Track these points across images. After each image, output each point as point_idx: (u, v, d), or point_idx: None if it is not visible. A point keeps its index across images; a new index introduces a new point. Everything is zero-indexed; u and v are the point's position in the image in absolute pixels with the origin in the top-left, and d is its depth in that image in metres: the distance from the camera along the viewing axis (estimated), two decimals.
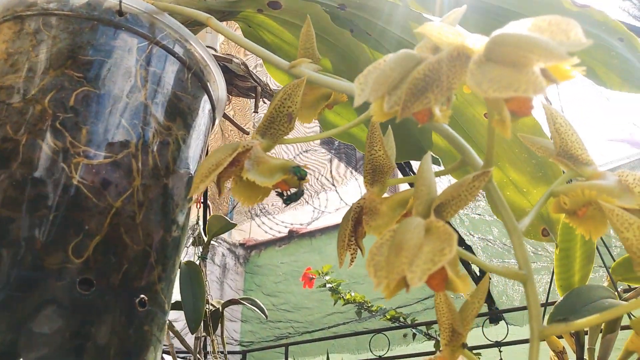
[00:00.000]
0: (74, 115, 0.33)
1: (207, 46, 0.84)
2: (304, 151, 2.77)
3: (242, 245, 3.75)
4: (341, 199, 3.24)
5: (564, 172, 0.34)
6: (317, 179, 2.80)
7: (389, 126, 0.37)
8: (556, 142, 0.32)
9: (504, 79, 0.20)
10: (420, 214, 0.25)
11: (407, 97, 0.23)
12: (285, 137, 0.34)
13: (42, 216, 0.30)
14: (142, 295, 0.32)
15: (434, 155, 0.47)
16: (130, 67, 0.36)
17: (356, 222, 0.34)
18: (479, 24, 0.53)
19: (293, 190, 0.32)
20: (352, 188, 2.90)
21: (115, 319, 0.30)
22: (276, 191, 0.33)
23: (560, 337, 0.98)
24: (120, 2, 0.37)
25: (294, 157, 2.66)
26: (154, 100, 0.37)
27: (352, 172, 2.72)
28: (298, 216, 3.53)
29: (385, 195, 0.35)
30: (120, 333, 0.30)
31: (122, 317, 0.30)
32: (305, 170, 0.32)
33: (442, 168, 0.48)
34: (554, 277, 0.94)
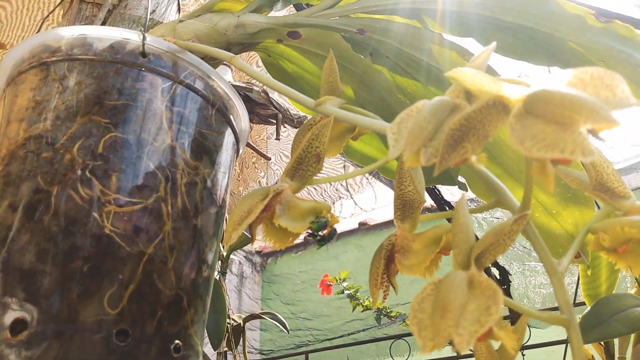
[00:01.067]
0: (103, 162, 0.33)
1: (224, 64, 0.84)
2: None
3: (258, 252, 3.76)
4: (356, 204, 3.24)
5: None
6: (333, 186, 2.80)
7: None
8: (591, 176, 0.31)
9: (548, 137, 0.19)
10: (460, 265, 0.24)
11: (445, 149, 0.23)
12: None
13: (76, 268, 0.30)
14: (176, 341, 0.32)
15: (460, 181, 0.47)
16: (156, 109, 0.36)
17: (388, 260, 0.34)
18: (496, 39, 0.52)
19: (323, 232, 0.32)
20: (368, 194, 2.89)
21: None
22: (307, 232, 0.32)
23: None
24: (144, 44, 0.37)
25: None
26: (180, 141, 0.37)
27: (367, 179, 2.71)
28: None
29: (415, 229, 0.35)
30: None
31: None
32: (326, 218, 0.31)
33: (470, 193, 0.47)
34: (580, 287, 0.93)
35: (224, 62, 0.88)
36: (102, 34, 0.37)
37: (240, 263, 3.56)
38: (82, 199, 0.31)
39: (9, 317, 0.28)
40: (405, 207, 0.34)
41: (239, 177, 2.08)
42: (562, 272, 0.27)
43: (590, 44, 0.48)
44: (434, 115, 0.24)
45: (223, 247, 1.32)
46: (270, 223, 0.31)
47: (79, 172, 0.32)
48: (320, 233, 0.31)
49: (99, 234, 0.31)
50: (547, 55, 0.49)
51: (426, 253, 0.32)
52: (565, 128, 0.19)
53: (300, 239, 3.57)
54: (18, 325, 0.28)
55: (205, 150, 0.39)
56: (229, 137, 0.43)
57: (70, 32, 0.37)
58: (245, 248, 3.73)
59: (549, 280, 0.27)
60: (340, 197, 2.86)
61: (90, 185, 0.32)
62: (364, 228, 3.48)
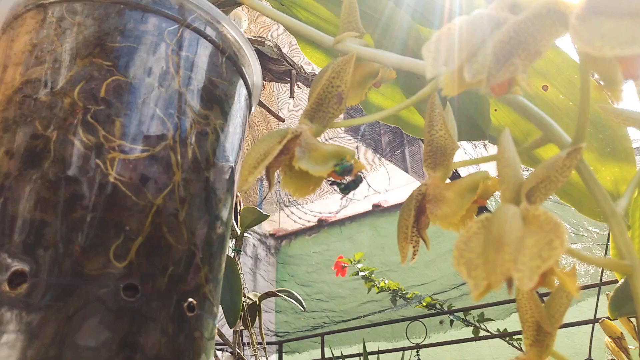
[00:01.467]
0: (106, 107, 0.30)
1: None
2: (328, 138, 2.73)
3: (272, 235, 3.75)
4: (369, 186, 3.20)
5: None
6: None
7: (447, 102, 0.33)
8: None
9: (623, 33, 0.16)
10: (509, 201, 0.21)
11: (493, 64, 0.19)
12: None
13: (79, 218, 0.27)
14: (190, 299, 0.30)
15: (490, 135, 0.43)
16: (161, 53, 0.33)
17: (418, 211, 0.31)
18: None
19: (349, 178, 0.29)
20: (381, 174, 2.85)
21: (164, 326, 0.27)
22: (329, 181, 0.30)
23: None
24: None
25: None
26: (188, 88, 0.34)
27: (380, 159, 2.67)
28: (327, 205, 3.50)
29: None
30: (170, 342, 0.27)
31: (171, 324, 0.28)
32: (348, 163, 0.28)
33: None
34: (610, 251, 0.89)
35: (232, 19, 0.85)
36: None
37: (254, 246, 3.56)
38: (84, 145, 0.29)
39: (8, 269, 0.26)
40: (436, 154, 0.31)
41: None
42: (620, 214, 0.24)
43: None
44: (479, 27, 0.20)
45: (237, 224, 1.31)
46: (289, 168, 0.28)
47: (80, 116, 0.29)
48: (345, 179, 0.28)
49: (102, 182, 0.28)
50: None
51: (461, 202, 0.29)
52: None
53: (313, 221, 3.55)
54: (17, 278, 0.26)
55: (216, 99, 0.36)
56: (240, 89, 0.40)
57: None
58: (258, 231, 3.72)
59: (607, 222, 0.24)
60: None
61: (92, 131, 0.29)
62: (378, 210, 3.45)
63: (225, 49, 0.38)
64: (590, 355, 1.04)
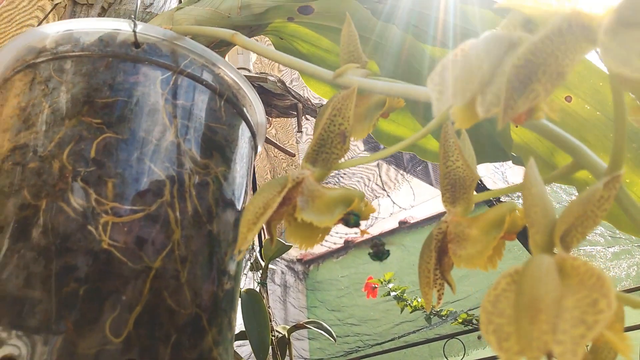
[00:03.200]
0: (97, 167, 0.28)
1: (240, 68, 0.80)
2: (348, 158, 2.71)
3: (299, 260, 3.71)
4: (394, 203, 3.15)
5: None
6: (367, 186, 2.73)
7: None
8: None
9: None
10: (542, 248, 0.18)
11: (509, 94, 0.17)
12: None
13: (72, 292, 0.25)
14: None
15: (514, 156, 0.40)
16: (154, 104, 0.32)
17: (440, 252, 0.28)
18: None
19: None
20: (405, 191, 2.81)
21: None
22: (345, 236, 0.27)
23: None
24: (135, 32, 0.33)
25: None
26: (185, 138, 0.32)
27: (403, 175, 2.63)
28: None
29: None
30: None
31: None
32: (357, 214, 0.26)
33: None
34: None
35: (241, 67, 0.84)
36: (90, 27, 0.33)
37: (282, 272, 3.53)
38: (75, 210, 0.27)
39: None
40: (455, 187, 0.28)
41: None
42: None
43: None
44: (489, 51, 0.18)
45: (262, 257, 1.29)
46: (292, 219, 0.26)
47: (70, 181, 0.28)
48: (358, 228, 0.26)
49: (96, 250, 0.26)
50: None
51: (487, 240, 0.26)
52: None
53: (340, 243, 3.50)
54: None
55: (215, 146, 0.34)
56: (243, 131, 0.38)
57: (55, 29, 0.33)
58: (286, 257, 3.69)
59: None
60: (376, 197, 2.79)
61: (83, 195, 0.27)
62: (405, 227, 3.39)
63: (223, 92, 0.36)
64: None
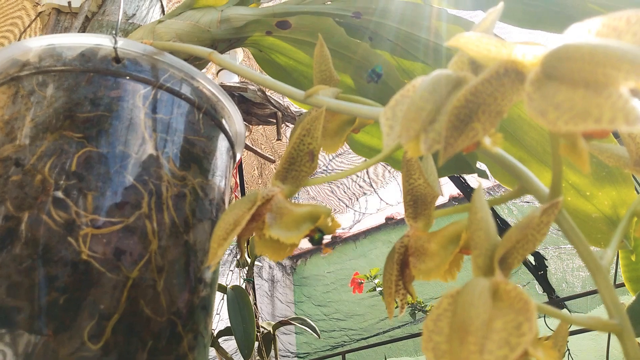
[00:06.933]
0: (77, 180, 0.30)
1: (223, 70, 0.81)
2: (336, 155, 2.72)
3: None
4: (381, 199, 3.18)
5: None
6: (355, 182, 2.75)
7: None
8: (631, 149, 0.26)
9: (578, 104, 0.15)
10: (482, 270, 0.20)
11: (449, 132, 0.18)
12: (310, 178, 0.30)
13: (52, 301, 0.27)
14: None
15: (479, 168, 0.42)
16: (134, 118, 0.33)
17: (402, 264, 0.30)
18: (506, 6, 0.47)
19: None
20: (392, 187, 2.83)
21: None
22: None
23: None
24: (116, 48, 0.34)
25: (327, 163, 2.62)
26: (164, 151, 0.33)
27: (390, 172, 2.65)
28: (339, 220, 3.48)
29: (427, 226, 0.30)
30: None
31: None
32: (322, 233, 0.27)
33: (490, 180, 0.42)
34: (620, 268, 0.86)
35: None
36: (72, 42, 0.34)
37: (270, 267, 3.55)
38: (56, 222, 0.28)
39: None
40: (416, 204, 0.30)
41: (259, 181, 2.06)
42: (606, 268, 0.23)
43: (614, 2, 0.43)
44: (433, 92, 0.20)
45: (248, 254, 1.30)
46: (262, 234, 0.27)
47: (51, 193, 0.29)
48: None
49: (75, 261, 0.28)
50: (565, 21, 0.44)
51: (444, 254, 0.28)
52: (599, 90, 0.14)
53: (327, 238, 3.53)
54: None
55: (193, 158, 0.35)
56: (221, 142, 0.39)
57: (38, 43, 0.34)
58: None
59: (592, 278, 0.22)
60: (364, 193, 2.81)
61: (64, 207, 0.29)
62: (391, 223, 3.42)
63: (202, 105, 0.38)
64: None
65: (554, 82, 0.16)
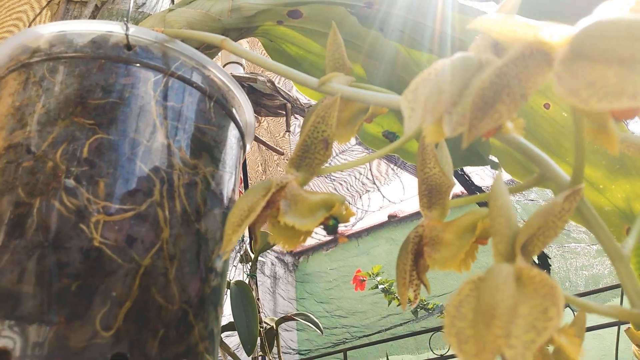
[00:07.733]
0: (89, 167, 0.29)
1: (233, 62, 0.81)
2: (340, 152, 2.72)
3: (289, 252, 3.74)
4: (384, 197, 3.18)
5: None
6: (359, 179, 2.75)
7: None
8: None
9: (611, 81, 0.15)
10: (504, 256, 0.20)
11: (474, 114, 0.18)
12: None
13: (64, 288, 0.26)
14: None
15: (492, 159, 0.42)
16: (145, 106, 0.33)
17: (416, 254, 0.29)
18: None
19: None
20: (395, 185, 2.83)
21: None
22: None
23: None
24: (127, 35, 0.33)
25: (331, 160, 2.62)
26: (175, 139, 0.33)
27: (393, 170, 2.65)
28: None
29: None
30: None
31: None
32: (336, 220, 0.27)
33: (504, 173, 0.42)
34: (631, 261, 0.85)
35: (234, 61, 0.85)
36: (83, 29, 0.34)
37: (272, 264, 3.55)
38: (68, 209, 0.28)
39: None
40: (431, 193, 0.30)
41: (262, 177, 2.06)
42: (628, 256, 0.22)
43: None
44: (457, 74, 0.19)
45: (251, 250, 1.30)
46: (276, 222, 0.27)
47: (63, 180, 0.29)
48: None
49: (87, 248, 0.27)
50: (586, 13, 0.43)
51: (460, 244, 0.27)
52: (634, 67, 0.14)
53: (329, 236, 3.53)
54: (1, 356, 0.25)
55: (204, 146, 0.35)
56: (232, 132, 0.39)
57: (49, 30, 0.34)
58: (276, 248, 3.71)
59: (613, 266, 0.22)
60: (367, 191, 2.81)
61: (75, 194, 0.29)
62: (394, 220, 3.42)
63: (213, 94, 0.37)
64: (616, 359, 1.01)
65: (584, 61, 0.16)
